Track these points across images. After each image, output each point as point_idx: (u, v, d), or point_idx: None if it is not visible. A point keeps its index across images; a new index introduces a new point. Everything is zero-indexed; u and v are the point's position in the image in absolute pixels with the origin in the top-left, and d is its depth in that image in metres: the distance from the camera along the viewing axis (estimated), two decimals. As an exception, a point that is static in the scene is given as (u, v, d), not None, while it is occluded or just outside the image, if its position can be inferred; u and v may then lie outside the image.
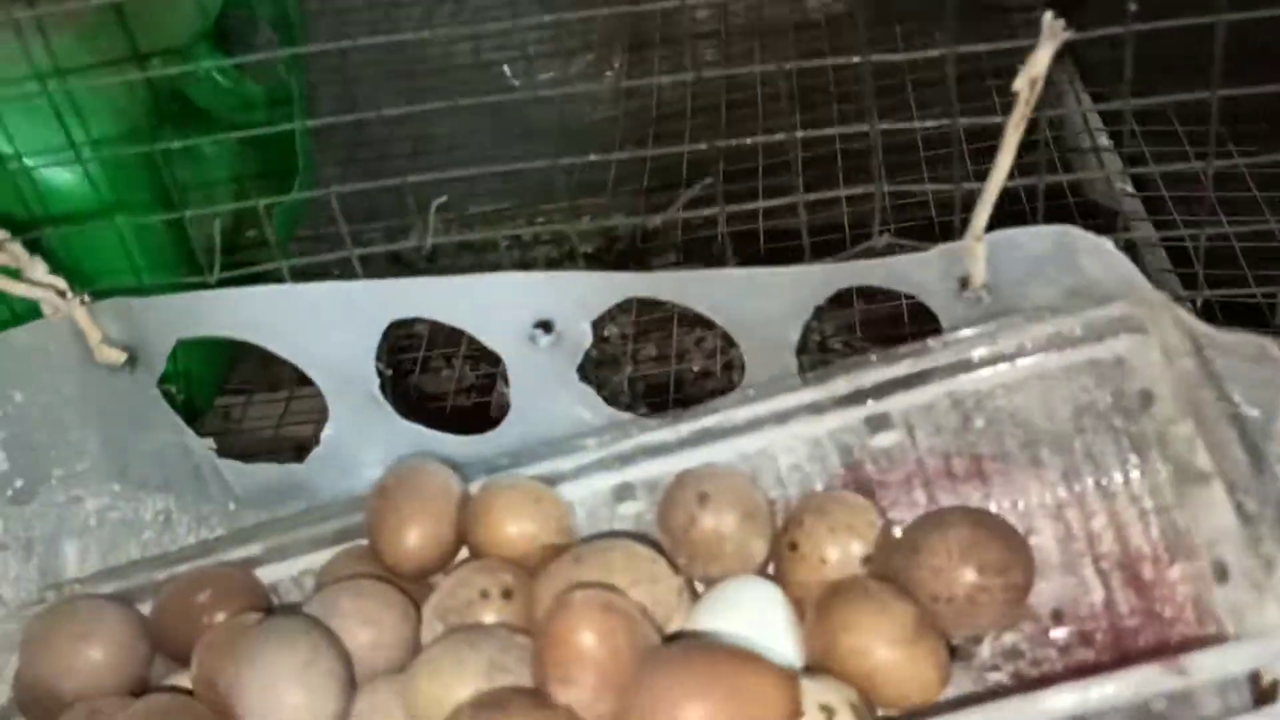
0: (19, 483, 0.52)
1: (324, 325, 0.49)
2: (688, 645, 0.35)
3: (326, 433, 0.51)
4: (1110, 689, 0.29)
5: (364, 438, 0.51)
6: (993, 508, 0.43)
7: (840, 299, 0.49)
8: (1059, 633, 0.40)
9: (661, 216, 0.50)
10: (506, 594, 0.40)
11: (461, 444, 0.51)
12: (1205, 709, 0.31)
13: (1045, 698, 0.30)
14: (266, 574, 0.47)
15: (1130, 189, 0.73)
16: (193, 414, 0.54)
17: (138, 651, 0.45)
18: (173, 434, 0.52)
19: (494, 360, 0.52)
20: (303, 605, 0.42)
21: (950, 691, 0.39)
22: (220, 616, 0.44)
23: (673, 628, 0.40)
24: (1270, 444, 0.39)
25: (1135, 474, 0.42)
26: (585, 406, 0.50)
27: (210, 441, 0.53)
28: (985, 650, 0.40)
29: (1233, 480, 0.34)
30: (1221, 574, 0.33)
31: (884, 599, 0.38)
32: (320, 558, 0.46)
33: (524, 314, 0.49)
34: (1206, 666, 0.29)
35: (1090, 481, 0.43)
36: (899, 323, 0.63)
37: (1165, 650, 0.36)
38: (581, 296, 0.48)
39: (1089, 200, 0.80)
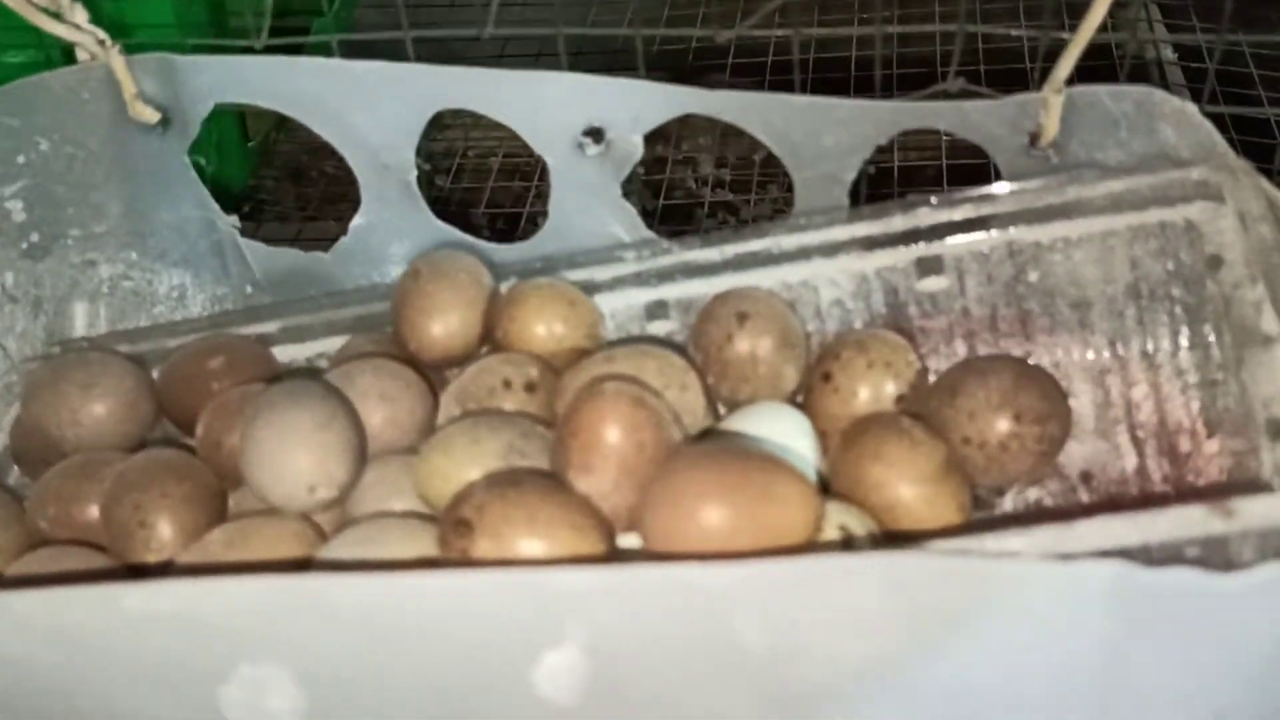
0: (35, 236, 0.51)
1: (368, 105, 0.48)
2: (715, 446, 0.34)
3: (356, 222, 0.50)
4: (1150, 525, 0.28)
5: (394, 231, 0.50)
6: (1031, 364, 0.42)
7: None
8: (1085, 493, 0.39)
9: (733, 32, 0.48)
10: (530, 387, 0.39)
11: (493, 250, 0.49)
12: (1240, 558, 0.30)
13: (1080, 527, 0.28)
14: (280, 354, 0.46)
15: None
16: (222, 192, 0.52)
17: (142, 410, 0.44)
18: (198, 207, 0.51)
19: (527, 176, 0.50)
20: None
21: (971, 538, 0.38)
22: (229, 384, 0.43)
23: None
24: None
25: (1184, 346, 0.41)
26: (622, 226, 0.49)
27: (235, 219, 0.52)
28: (1008, 503, 0.39)
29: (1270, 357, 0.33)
30: (1275, 432, 0.32)
31: (914, 435, 0.37)
32: (336, 343, 0.45)
33: (576, 118, 0.47)
34: (1255, 512, 0.28)
35: (1137, 349, 0.42)
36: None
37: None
38: (638, 106, 0.47)
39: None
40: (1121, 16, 0.86)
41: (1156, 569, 0.27)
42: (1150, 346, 0.41)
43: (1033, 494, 0.39)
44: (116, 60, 0.47)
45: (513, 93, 0.47)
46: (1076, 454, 0.40)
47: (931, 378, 0.42)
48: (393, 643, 0.29)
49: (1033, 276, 0.42)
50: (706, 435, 0.38)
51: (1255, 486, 0.34)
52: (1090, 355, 0.42)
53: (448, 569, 0.28)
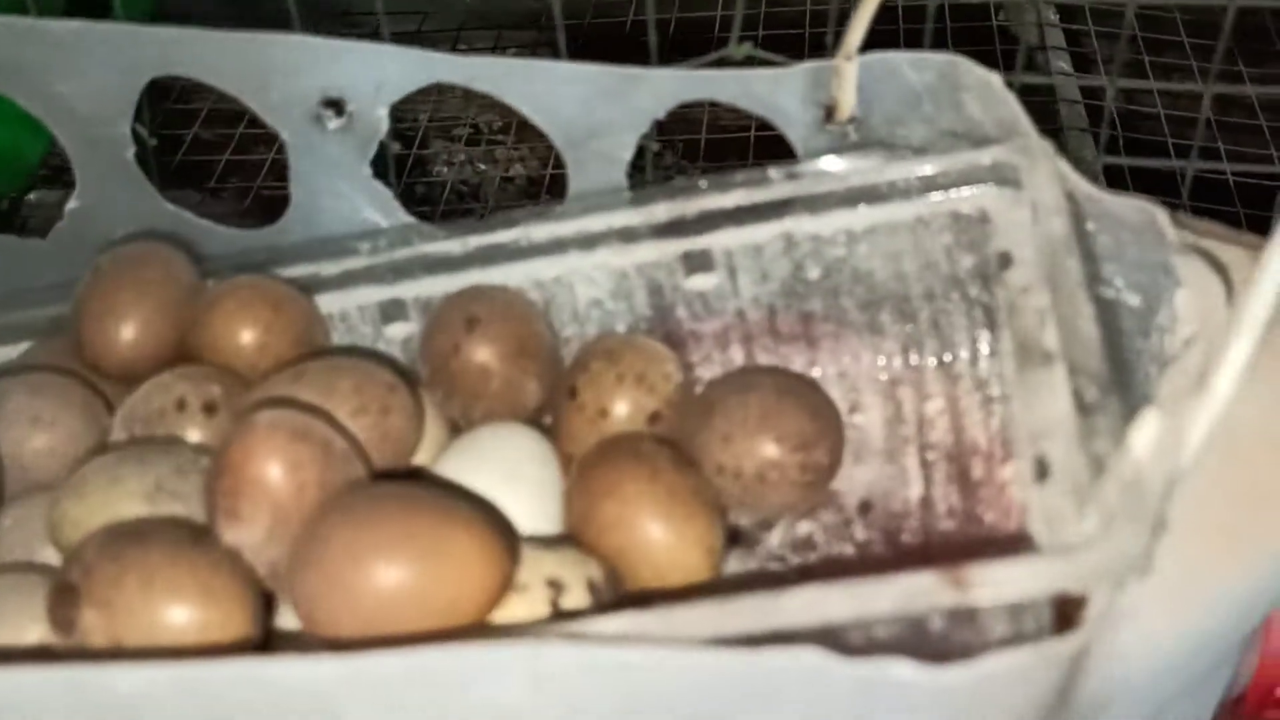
0: None
1: (73, 71, 0.41)
2: (381, 491, 0.28)
3: (71, 205, 0.43)
4: (862, 598, 0.23)
5: (117, 216, 0.44)
6: (818, 374, 0.37)
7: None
8: (862, 527, 0.33)
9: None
10: (209, 408, 0.33)
11: (233, 237, 0.43)
12: (991, 632, 0.24)
13: (784, 600, 0.23)
14: (-28, 357, 0.40)
15: (1054, 18, 0.66)
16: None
17: None
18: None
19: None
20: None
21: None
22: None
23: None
24: (1146, 338, 0.33)
25: (985, 353, 0.36)
26: (377, 209, 0.42)
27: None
28: (775, 538, 0.34)
29: (1077, 362, 0.27)
30: (1043, 472, 0.26)
31: (656, 464, 0.32)
32: (28, 347, 0.39)
33: (311, 87, 0.41)
34: (991, 582, 0.23)
35: (932, 357, 0.36)
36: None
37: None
38: (382, 74, 0.41)
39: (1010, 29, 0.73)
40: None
41: (859, 661, 0.21)
42: (947, 354, 0.36)
43: (804, 527, 0.34)
44: None
45: (237, 57, 0.41)
46: (859, 479, 0.35)
47: (701, 387, 0.37)
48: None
49: (813, 273, 0.36)
50: (405, 475, 0.32)
51: (1017, 540, 0.29)
52: (881, 363, 0.37)
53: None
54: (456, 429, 0.36)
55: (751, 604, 0.24)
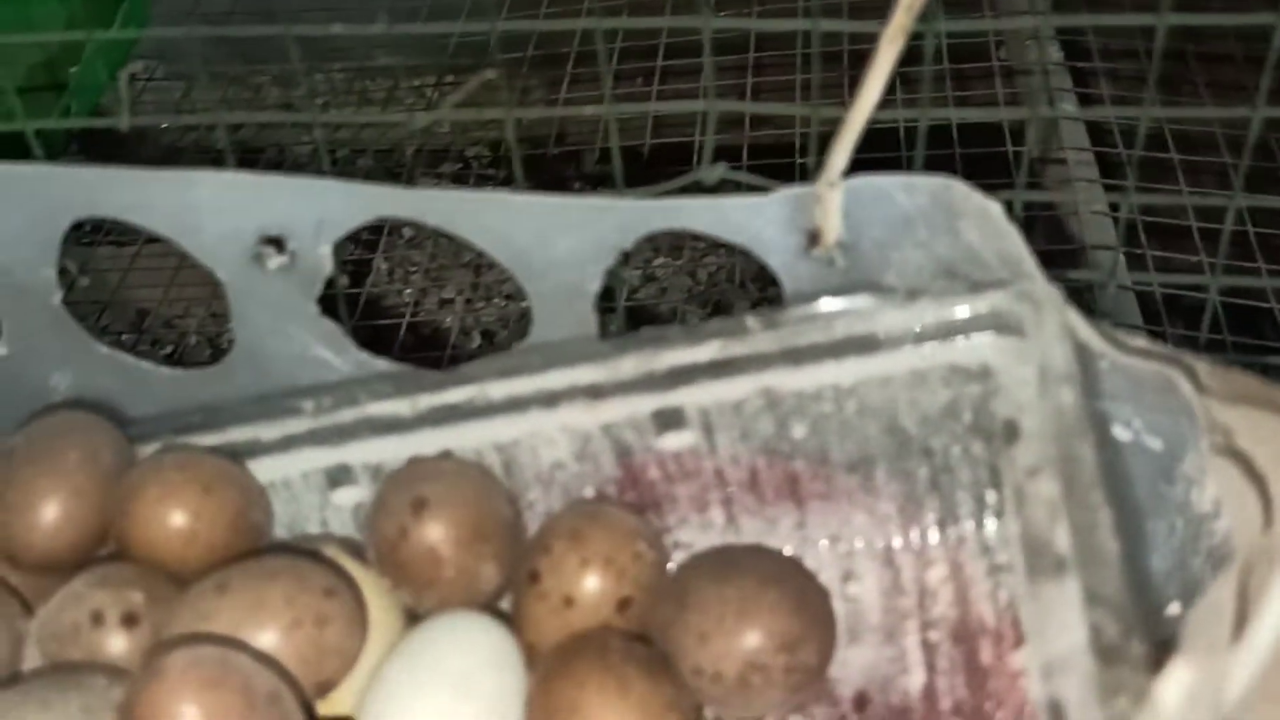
0: None
1: (-4, 217, 0.38)
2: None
3: (-1, 352, 0.40)
4: None
5: (50, 362, 0.40)
6: (807, 539, 0.34)
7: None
8: (860, 728, 0.30)
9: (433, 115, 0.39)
10: (130, 619, 0.30)
11: (172, 380, 0.40)
12: None
13: None
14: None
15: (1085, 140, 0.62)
16: None
17: None
18: None
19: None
20: None
21: (709, 799, 0.29)
22: None
23: (359, 678, 0.30)
24: (1170, 484, 0.30)
25: (991, 517, 0.32)
26: (328, 347, 0.39)
27: None
28: (762, 740, 0.31)
29: (1094, 588, 0.24)
30: (1057, 717, 0.23)
31: (625, 673, 0.28)
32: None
33: (248, 225, 0.38)
34: None
35: (933, 520, 0.33)
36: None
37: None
38: (322, 210, 0.37)
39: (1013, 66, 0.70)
40: (1022, 85, 0.78)
41: None
42: (950, 518, 0.33)
43: (794, 724, 0.31)
44: None
45: (165, 197, 0.37)
46: (855, 664, 0.31)
47: (680, 555, 0.33)
48: None
49: (799, 431, 0.33)
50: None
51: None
52: (876, 527, 0.33)
53: None
54: (411, 616, 0.32)
55: None
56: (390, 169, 0.72)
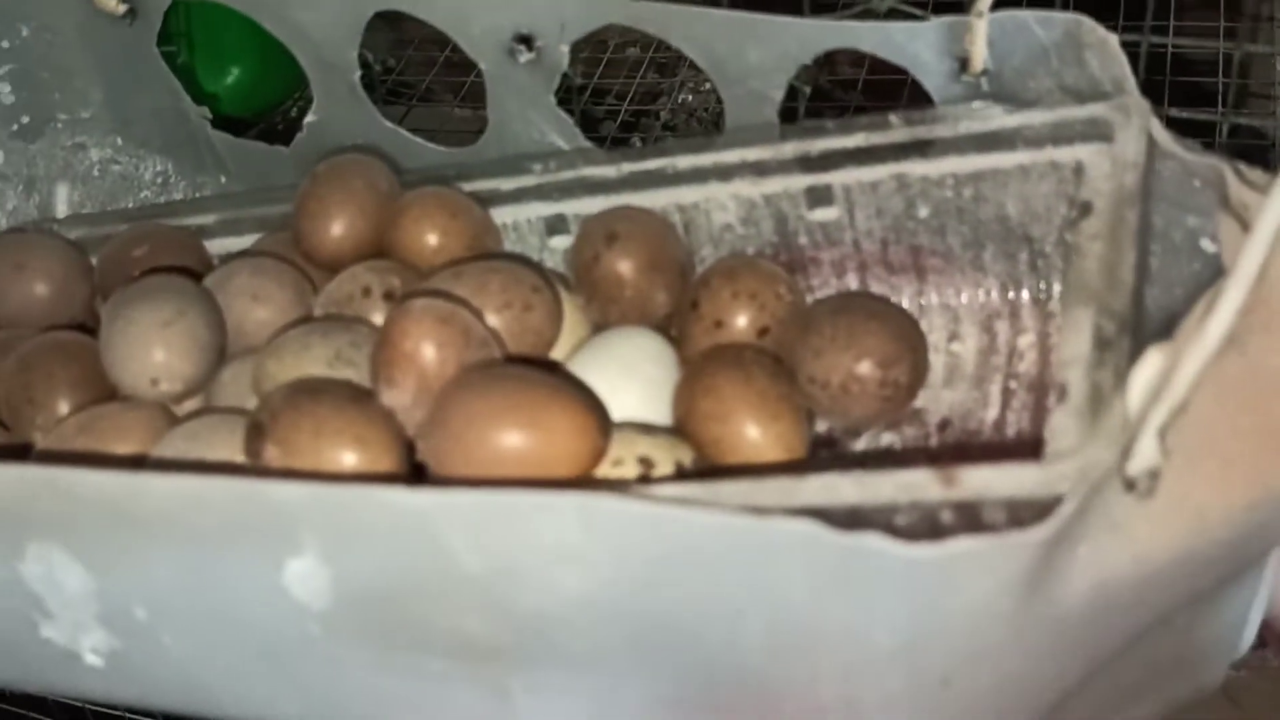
0: (25, 119, 0.54)
1: (309, 3, 0.48)
2: (499, 371, 0.34)
3: (309, 119, 0.51)
4: (867, 485, 0.27)
5: (345, 130, 0.51)
6: (923, 303, 0.41)
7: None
8: (937, 441, 0.37)
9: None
10: (389, 295, 0.39)
11: (441, 155, 0.50)
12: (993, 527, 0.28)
13: (805, 483, 0.28)
14: (218, 245, 0.47)
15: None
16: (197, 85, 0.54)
17: (75, 293, 0.46)
18: (170, 97, 0.53)
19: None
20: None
21: (807, 477, 0.37)
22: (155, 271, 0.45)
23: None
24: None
25: (1076, 294, 0.39)
26: (560, 134, 0.48)
27: (205, 110, 0.53)
28: (860, 445, 0.38)
29: (1105, 303, 0.31)
30: (1062, 395, 0.30)
31: (752, 370, 0.36)
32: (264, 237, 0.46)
33: (505, 23, 0.47)
34: (974, 481, 0.27)
35: (1028, 294, 0.40)
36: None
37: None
38: (563, 14, 0.46)
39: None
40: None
41: (846, 532, 0.26)
42: (1043, 292, 0.39)
43: (887, 438, 0.38)
44: (77, -48, 0.49)
45: (442, -4, 0.47)
46: (945, 401, 0.39)
47: (816, 307, 0.41)
48: (142, 533, 0.31)
49: (923, 211, 0.40)
50: (539, 363, 0.38)
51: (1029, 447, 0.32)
52: (981, 297, 0.40)
53: (177, 475, 0.30)
54: (598, 330, 0.41)
55: (779, 483, 0.29)
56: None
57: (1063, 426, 0.29)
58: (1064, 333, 0.32)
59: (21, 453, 0.40)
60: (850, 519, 0.28)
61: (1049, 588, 0.28)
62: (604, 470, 0.34)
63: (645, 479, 0.34)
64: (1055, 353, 0.38)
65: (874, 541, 0.26)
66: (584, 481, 0.33)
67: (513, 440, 0.32)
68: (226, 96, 0.80)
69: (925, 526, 0.29)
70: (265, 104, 0.82)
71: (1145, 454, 0.28)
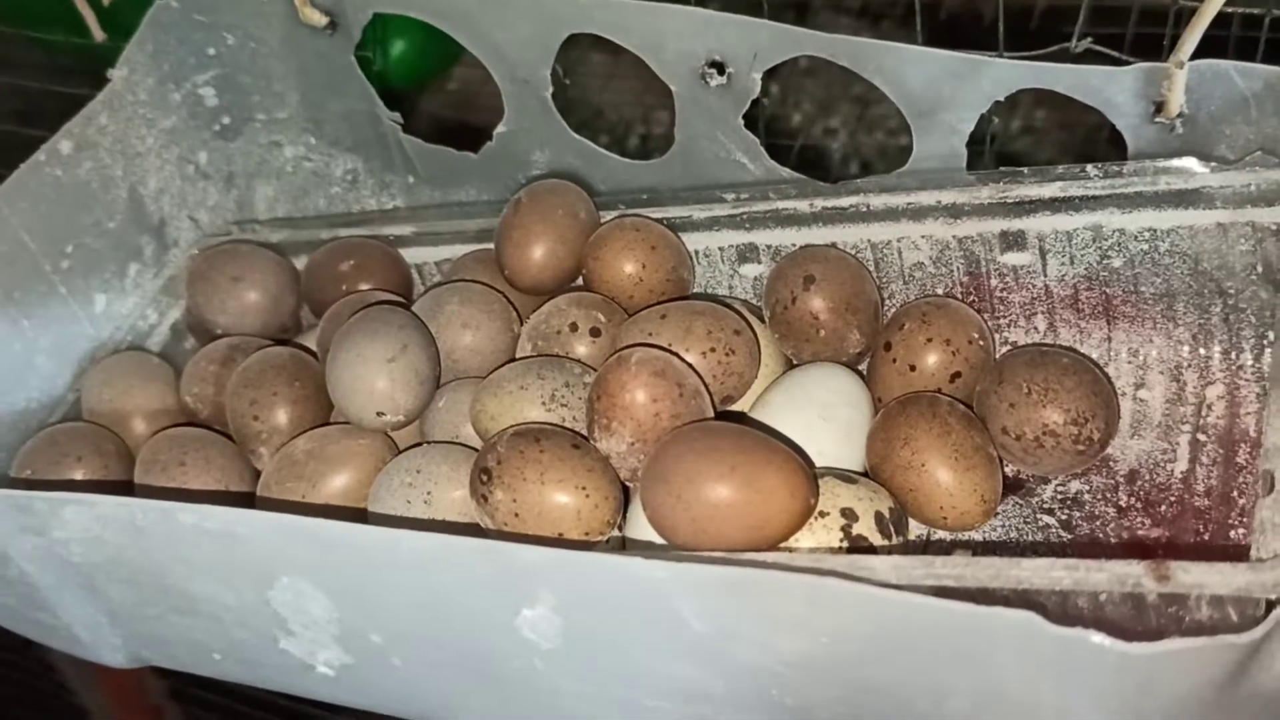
0: (225, 119, 0.56)
1: (506, 24, 0.50)
2: (712, 430, 0.36)
3: (499, 129, 0.53)
4: (1081, 573, 0.29)
5: (534, 140, 0.52)
6: (1110, 352, 0.42)
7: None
8: (1125, 494, 0.38)
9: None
10: (595, 332, 0.41)
11: (623, 166, 0.51)
12: (1197, 614, 0.30)
13: (1022, 566, 0.29)
14: (414, 254, 0.50)
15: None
16: (392, 90, 0.56)
17: (285, 301, 0.49)
18: (363, 101, 0.55)
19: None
20: (414, 301, 0.44)
21: (997, 524, 0.39)
22: (361, 285, 0.47)
23: (749, 400, 0.41)
24: None
25: (1268, 350, 0.39)
26: (746, 155, 0.49)
27: (397, 115, 0.55)
28: (1049, 491, 0.39)
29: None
30: (1270, 485, 0.31)
31: (948, 420, 0.38)
32: (460, 250, 0.49)
33: (698, 50, 0.48)
34: (1186, 579, 0.28)
35: (1219, 348, 0.40)
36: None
37: (1214, 545, 0.34)
38: (758, 43, 0.47)
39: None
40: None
41: (1061, 627, 0.28)
42: (1234, 348, 0.40)
43: (1075, 486, 0.39)
44: (287, -30, 0.51)
45: (637, 22, 0.48)
46: (1132, 450, 0.40)
47: (1005, 349, 0.42)
48: (389, 579, 0.33)
49: (1117, 261, 0.41)
50: (734, 416, 0.40)
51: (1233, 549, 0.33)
52: (1170, 348, 0.41)
53: (427, 532, 0.32)
54: (790, 362, 0.43)
55: (994, 563, 0.30)
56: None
57: (1271, 522, 0.30)
58: (1270, 416, 0.32)
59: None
60: (1061, 603, 0.29)
61: (1253, 676, 0.29)
62: (811, 523, 0.35)
63: (846, 533, 0.36)
64: (1250, 414, 0.39)
65: (1092, 637, 0.27)
66: (792, 543, 0.35)
67: (730, 498, 0.34)
68: (391, 69, 0.82)
69: (1133, 613, 0.30)
70: (427, 76, 0.84)
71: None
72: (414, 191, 0.57)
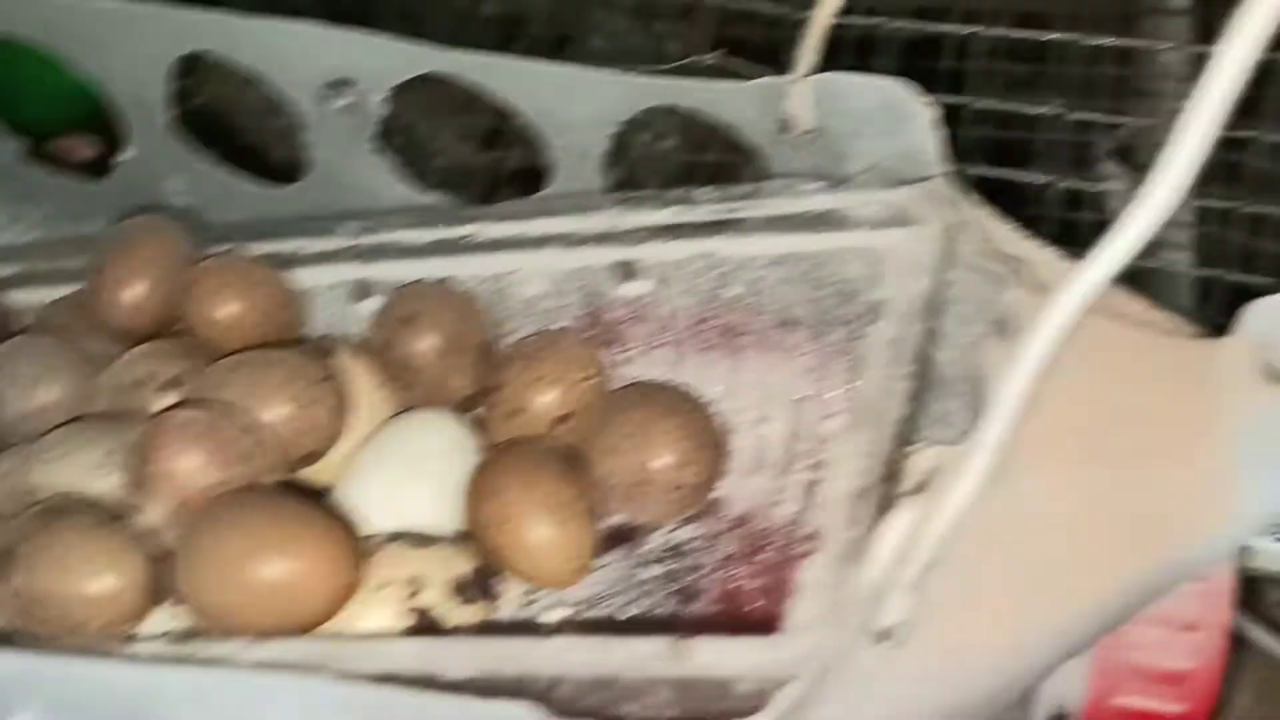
0: None
1: (118, 43, 0.46)
2: (250, 496, 0.32)
3: (123, 156, 0.49)
4: (599, 654, 0.26)
5: (166, 167, 0.49)
6: (734, 383, 0.39)
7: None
8: (731, 540, 0.36)
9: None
10: (174, 383, 0.38)
11: (264, 196, 0.48)
12: (741, 689, 0.27)
13: (539, 647, 0.27)
14: (20, 297, 0.45)
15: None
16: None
17: None
18: (-12, 130, 0.51)
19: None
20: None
21: (599, 579, 0.36)
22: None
23: (341, 452, 0.38)
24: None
25: (886, 383, 0.37)
26: (380, 180, 0.46)
27: (18, 144, 0.51)
28: (656, 540, 0.37)
29: (875, 438, 0.29)
30: (816, 542, 0.29)
31: (539, 472, 0.35)
32: (65, 291, 0.44)
33: (318, 69, 0.44)
34: (706, 658, 0.26)
35: (840, 379, 0.38)
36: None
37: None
38: (380, 62, 0.44)
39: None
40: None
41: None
42: (853, 376, 0.38)
43: (682, 533, 0.37)
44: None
45: (254, 38, 0.44)
46: (748, 491, 0.37)
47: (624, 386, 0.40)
48: None
49: (735, 290, 0.38)
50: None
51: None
52: (793, 382, 0.39)
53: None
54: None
55: (513, 645, 0.27)
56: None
57: (812, 583, 0.28)
58: (833, 464, 0.30)
59: None
60: (590, 689, 0.27)
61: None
62: (368, 595, 0.32)
63: (410, 603, 0.32)
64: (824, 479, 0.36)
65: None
66: (352, 620, 0.31)
67: (266, 573, 0.31)
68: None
69: (678, 692, 0.28)
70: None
71: (895, 609, 0.27)
72: (51, 226, 0.52)
